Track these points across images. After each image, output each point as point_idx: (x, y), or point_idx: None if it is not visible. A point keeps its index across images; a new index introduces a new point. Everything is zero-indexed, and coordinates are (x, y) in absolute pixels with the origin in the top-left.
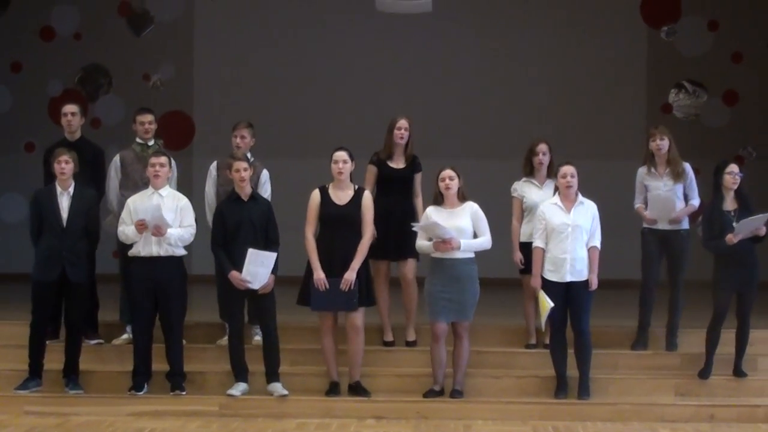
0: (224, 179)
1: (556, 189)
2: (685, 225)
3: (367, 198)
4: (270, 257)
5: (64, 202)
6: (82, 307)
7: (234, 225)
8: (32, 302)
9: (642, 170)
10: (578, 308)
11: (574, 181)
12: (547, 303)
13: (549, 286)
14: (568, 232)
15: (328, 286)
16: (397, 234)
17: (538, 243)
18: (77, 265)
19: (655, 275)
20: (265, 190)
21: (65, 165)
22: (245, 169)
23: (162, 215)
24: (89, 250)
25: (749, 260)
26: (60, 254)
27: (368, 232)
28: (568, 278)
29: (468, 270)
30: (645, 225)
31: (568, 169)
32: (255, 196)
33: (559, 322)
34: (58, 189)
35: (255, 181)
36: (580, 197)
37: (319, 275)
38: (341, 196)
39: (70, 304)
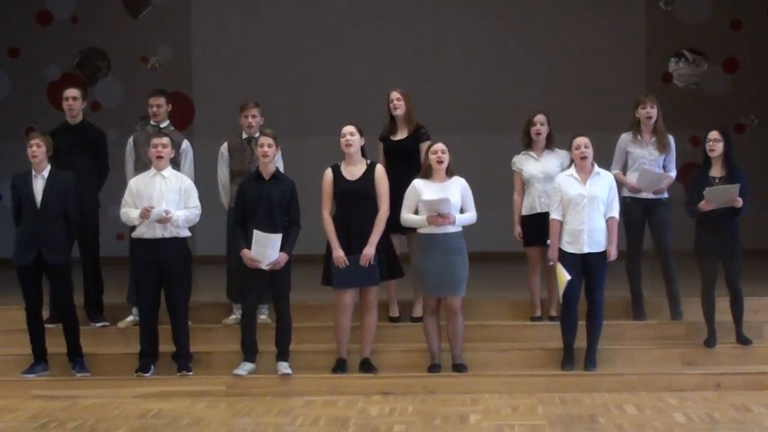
0: (237, 160)
1: (572, 162)
2: (666, 194)
3: (380, 171)
4: (275, 239)
5: (39, 186)
6: (65, 290)
7: (252, 203)
8: (21, 287)
9: (626, 136)
10: (595, 279)
11: (589, 152)
12: (564, 276)
13: (566, 258)
14: (584, 203)
15: (347, 264)
16: None
17: (555, 215)
18: (54, 248)
19: (639, 243)
20: None
21: (36, 148)
22: (269, 146)
23: (161, 211)
24: (70, 234)
25: (728, 229)
26: (35, 238)
27: (384, 204)
28: (586, 249)
29: (458, 244)
30: (626, 193)
31: (582, 140)
32: (278, 176)
33: (575, 294)
34: (33, 172)
35: None
36: (596, 168)
37: (338, 253)
38: (353, 171)
39: (53, 288)
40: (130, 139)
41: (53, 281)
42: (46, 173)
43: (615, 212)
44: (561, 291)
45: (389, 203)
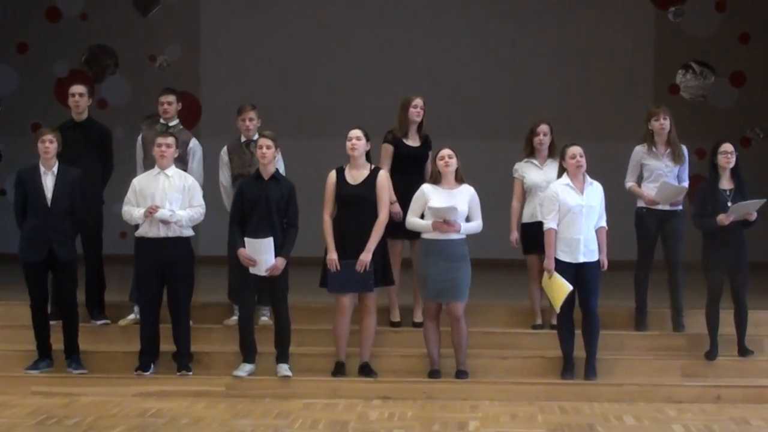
0: (237, 163)
1: (562, 170)
2: (681, 206)
3: (382, 177)
4: (267, 243)
5: (49, 182)
6: (72, 286)
7: (250, 203)
8: (26, 284)
9: (640, 149)
10: (590, 288)
11: (584, 161)
12: (566, 286)
13: (561, 267)
14: (583, 212)
15: (339, 268)
16: None
17: (551, 224)
18: (65, 243)
19: (651, 255)
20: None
21: (49, 144)
22: (268, 147)
23: (166, 213)
24: (76, 230)
25: (736, 242)
26: (46, 234)
27: (383, 212)
28: (582, 259)
29: (461, 250)
30: (642, 204)
31: (576, 150)
32: (277, 177)
33: (569, 302)
34: (42, 168)
35: None
36: (588, 177)
37: (332, 256)
38: (356, 175)
39: (60, 284)
40: (139, 138)
41: (60, 277)
42: (55, 169)
43: (604, 222)
44: (560, 301)
45: (393, 209)
